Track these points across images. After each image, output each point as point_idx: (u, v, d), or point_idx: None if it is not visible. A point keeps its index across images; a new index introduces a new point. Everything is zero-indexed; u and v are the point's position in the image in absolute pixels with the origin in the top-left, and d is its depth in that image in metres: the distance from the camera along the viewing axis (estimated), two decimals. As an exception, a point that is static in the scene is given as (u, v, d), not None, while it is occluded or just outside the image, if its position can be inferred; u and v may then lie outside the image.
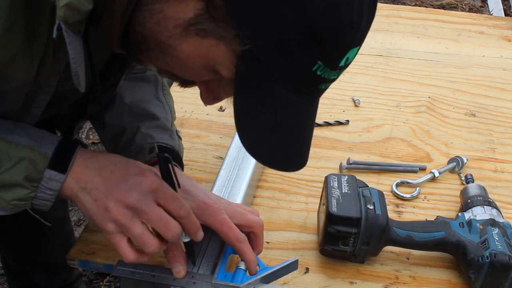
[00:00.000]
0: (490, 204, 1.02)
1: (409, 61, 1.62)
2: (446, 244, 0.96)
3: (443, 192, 1.16)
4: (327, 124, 1.33)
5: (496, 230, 0.94)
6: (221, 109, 1.36)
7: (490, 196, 1.06)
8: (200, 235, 0.81)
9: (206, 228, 0.84)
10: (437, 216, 1.01)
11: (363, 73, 1.55)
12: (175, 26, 0.66)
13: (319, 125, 1.32)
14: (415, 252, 0.99)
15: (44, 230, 1.42)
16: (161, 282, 0.84)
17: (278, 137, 0.71)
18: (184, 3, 0.64)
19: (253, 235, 0.89)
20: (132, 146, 0.97)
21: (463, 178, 1.18)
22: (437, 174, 1.18)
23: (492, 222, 0.97)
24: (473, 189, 1.07)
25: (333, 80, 0.69)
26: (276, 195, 1.12)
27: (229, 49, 0.65)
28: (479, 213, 0.99)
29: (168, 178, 0.80)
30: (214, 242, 0.90)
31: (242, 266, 0.86)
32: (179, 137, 1.05)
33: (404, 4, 3.82)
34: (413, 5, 3.79)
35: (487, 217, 0.98)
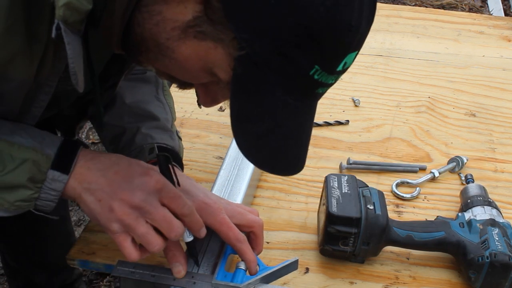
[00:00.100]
0: (490, 204, 1.02)
1: (409, 61, 1.62)
2: (446, 244, 0.96)
3: (443, 192, 1.16)
4: (327, 124, 1.33)
5: (496, 230, 0.95)
6: (221, 109, 1.36)
7: (490, 196, 1.06)
8: (203, 231, 0.82)
9: (206, 228, 0.84)
10: (437, 216, 1.01)
11: (363, 73, 1.55)
12: (173, 28, 0.66)
13: (319, 125, 1.32)
14: (415, 252, 0.99)
15: (45, 230, 1.43)
16: (161, 282, 0.84)
17: (275, 141, 0.71)
18: (182, 5, 0.64)
19: (253, 235, 0.89)
20: (132, 147, 0.97)
21: (463, 178, 1.18)
22: (437, 174, 1.18)
23: (492, 222, 0.97)
24: (473, 189, 1.07)
25: (331, 84, 0.69)
26: (276, 195, 1.12)
27: (227, 51, 0.65)
28: (479, 213, 0.99)
29: (168, 177, 0.80)
30: (214, 242, 0.90)
31: (242, 266, 0.86)
32: (179, 138, 1.05)
33: (404, 4, 3.82)
34: (413, 5, 3.79)
35: (487, 217, 0.98)
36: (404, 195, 1.13)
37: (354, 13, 0.62)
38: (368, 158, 1.24)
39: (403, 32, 1.78)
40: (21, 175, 0.74)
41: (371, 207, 0.94)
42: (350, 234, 0.93)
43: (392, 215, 1.02)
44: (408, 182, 1.17)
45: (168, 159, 0.81)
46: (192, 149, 1.23)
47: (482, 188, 1.07)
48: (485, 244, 0.92)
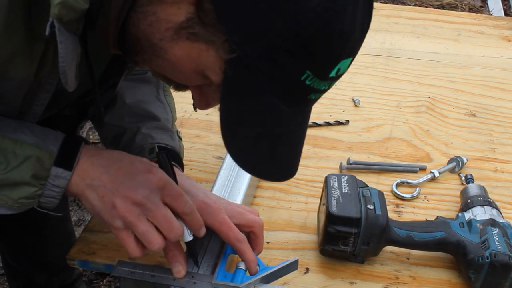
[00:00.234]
0: (490, 204, 1.02)
1: (409, 61, 1.62)
2: (446, 244, 0.96)
3: (443, 192, 1.16)
4: (327, 124, 1.33)
5: (496, 230, 0.95)
6: (221, 109, 1.36)
7: (490, 196, 1.06)
8: (203, 231, 0.83)
9: (206, 228, 0.84)
10: (437, 216, 1.01)
11: (363, 73, 1.55)
12: (166, 28, 0.65)
13: (319, 125, 1.32)
14: (415, 252, 0.99)
15: (45, 230, 1.43)
16: (161, 282, 0.84)
17: (265, 146, 0.70)
18: (176, 6, 0.64)
19: (253, 235, 0.89)
20: (132, 147, 0.97)
21: (463, 178, 1.18)
22: (437, 174, 1.18)
23: (492, 222, 0.97)
24: (473, 189, 1.07)
25: (324, 90, 0.68)
26: (276, 195, 1.12)
27: (218, 54, 0.65)
28: (479, 213, 0.99)
29: (168, 175, 0.81)
30: (214, 242, 0.90)
31: (242, 266, 0.86)
32: (180, 138, 1.05)
33: (404, 4, 3.82)
34: (413, 5, 3.79)
35: (487, 217, 0.98)
36: (404, 195, 1.13)
37: (347, 20, 0.62)
38: (368, 158, 1.24)
39: (403, 32, 1.78)
40: (24, 172, 0.75)
41: (371, 207, 0.94)
42: (350, 234, 0.93)
43: (392, 215, 1.02)
44: (408, 182, 1.17)
45: (168, 158, 0.81)
46: (192, 149, 1.23)
47: (482, 188, 1.07)
48: (485, 244, 0.92)
